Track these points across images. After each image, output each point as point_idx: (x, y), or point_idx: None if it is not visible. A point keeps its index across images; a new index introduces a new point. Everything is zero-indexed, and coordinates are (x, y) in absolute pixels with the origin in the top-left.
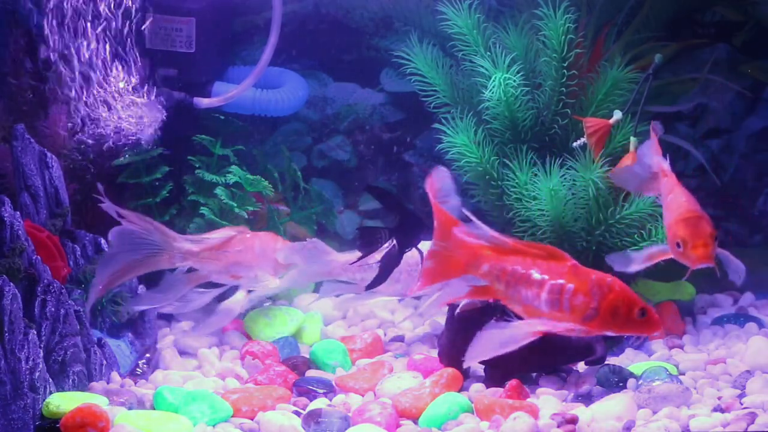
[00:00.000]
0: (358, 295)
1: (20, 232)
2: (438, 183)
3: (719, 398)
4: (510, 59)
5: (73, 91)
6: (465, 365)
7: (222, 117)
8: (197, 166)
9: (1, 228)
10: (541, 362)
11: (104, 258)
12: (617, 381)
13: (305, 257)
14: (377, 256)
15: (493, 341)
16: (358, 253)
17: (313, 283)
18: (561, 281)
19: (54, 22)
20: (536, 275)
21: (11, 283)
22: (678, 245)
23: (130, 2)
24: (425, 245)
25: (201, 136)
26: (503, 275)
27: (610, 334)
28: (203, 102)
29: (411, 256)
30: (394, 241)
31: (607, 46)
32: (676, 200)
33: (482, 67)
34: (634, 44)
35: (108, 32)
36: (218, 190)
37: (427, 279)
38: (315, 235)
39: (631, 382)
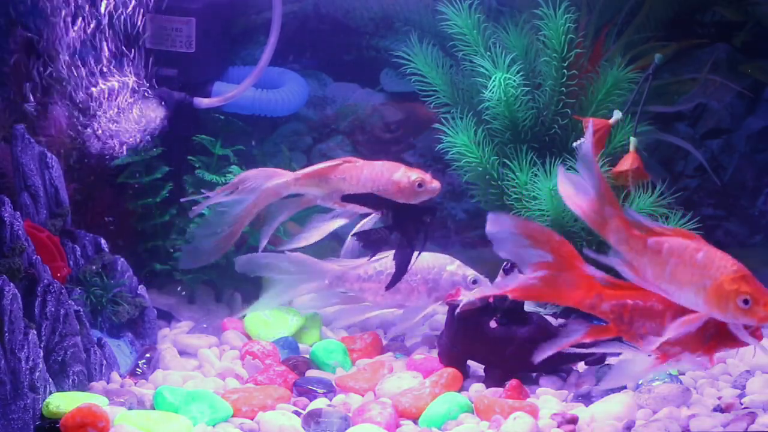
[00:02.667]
0: (357, 310)
1: (20, 232)
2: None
3: (719, 398)
4: (510, 59)
5: (73, 91)
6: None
7: (222, 117)
8: (197, 166)
9: (1, 228)
10: (541, 362)
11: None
12: None
13: (292, 271)
14: (375, 265)
15: (627, 373)
16: (354, 263)
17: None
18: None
19: (54, 22)
20: (657, 306)
21: (11, 283)
22: (746, 302)
23: (130, 2)
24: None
25: (201, 136)
26: (625, 312)
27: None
28: (203, 102)
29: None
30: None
31: (607, 46)
32: (711, 259)
33: (482, 67)
34: (634, 44)
35: (108, 32)
36: None
37: (522, 293)
38: None
39: None
